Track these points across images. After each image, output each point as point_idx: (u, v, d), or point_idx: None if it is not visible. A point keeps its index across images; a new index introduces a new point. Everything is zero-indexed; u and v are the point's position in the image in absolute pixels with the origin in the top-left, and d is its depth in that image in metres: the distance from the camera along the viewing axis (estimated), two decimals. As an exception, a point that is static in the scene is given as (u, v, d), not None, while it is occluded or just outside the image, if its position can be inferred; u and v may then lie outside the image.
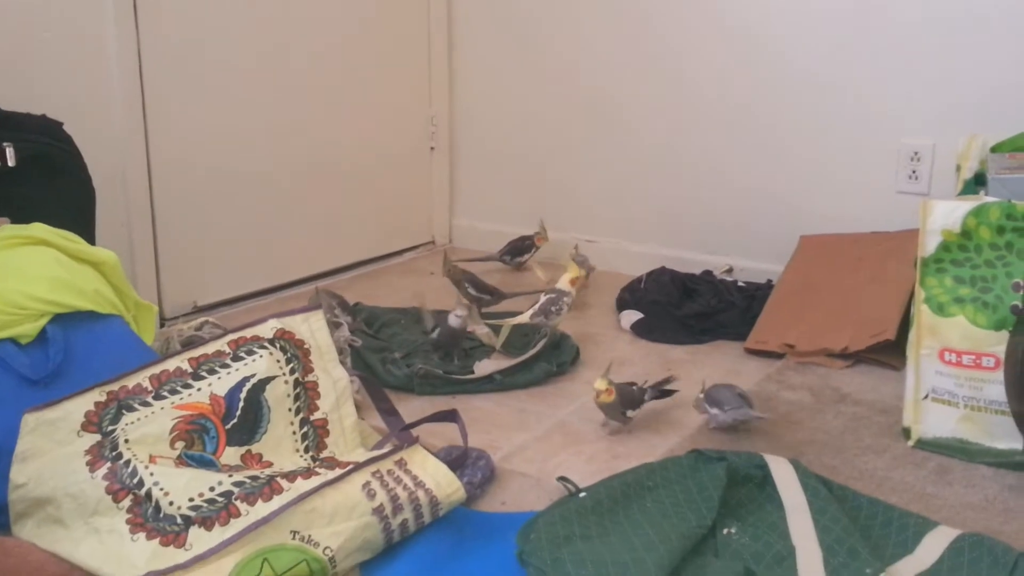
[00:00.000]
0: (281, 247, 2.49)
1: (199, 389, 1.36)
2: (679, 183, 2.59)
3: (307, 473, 1.28)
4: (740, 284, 2.37)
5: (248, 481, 1.24)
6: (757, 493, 1.40)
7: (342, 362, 1.53)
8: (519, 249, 2.66)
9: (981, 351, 1.56)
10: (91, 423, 1.28)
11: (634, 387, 1.71)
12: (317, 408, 1.43)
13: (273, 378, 1.40)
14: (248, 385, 1.38)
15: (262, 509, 1.21)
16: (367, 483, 1.28)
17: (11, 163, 1.66)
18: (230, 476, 1.25)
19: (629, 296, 2.33)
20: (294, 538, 1.20)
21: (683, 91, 2.53)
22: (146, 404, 1.32)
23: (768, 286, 2.30)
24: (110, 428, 1.28)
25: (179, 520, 1.19)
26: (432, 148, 2.92)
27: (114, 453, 1.25)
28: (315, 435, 1.42)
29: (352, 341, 1.95)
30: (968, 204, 1.58)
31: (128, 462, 1.24)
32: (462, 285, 2.26)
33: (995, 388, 1.54)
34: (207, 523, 1.19)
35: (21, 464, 1.25)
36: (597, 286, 2.46)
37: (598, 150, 2.70)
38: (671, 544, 1.24)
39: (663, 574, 1.18)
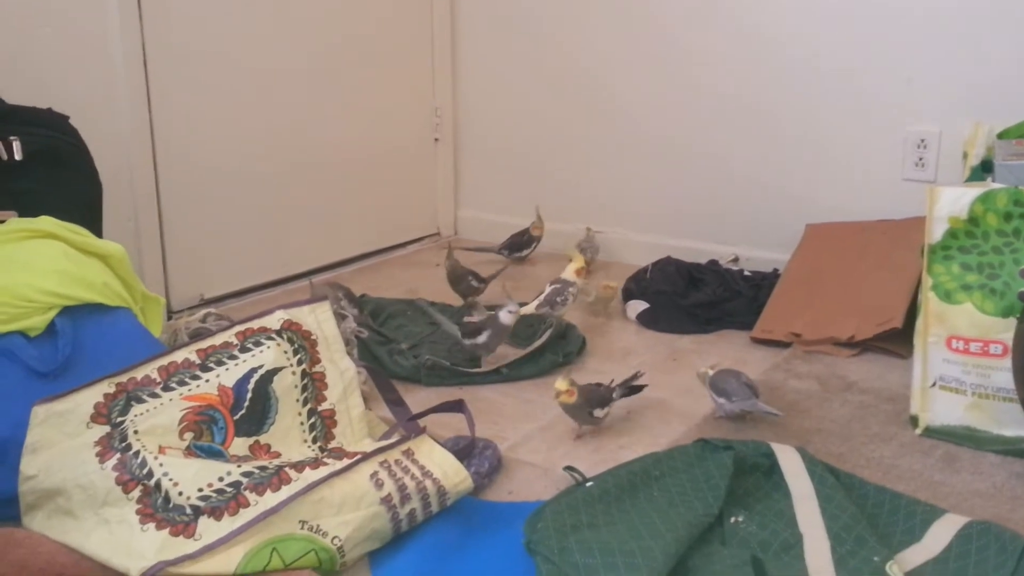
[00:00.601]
0: (287, 240, 2.50)
1: (207, 380, 1.36)
2: (684, 173, 2.58)
3: (315, 463, 1.29)
4: (746, 273, 2.37)
5: (257, 471, 1.25)
6: (764, 481, 1.40)
7: (349, 353, 1.53)
8: (519, 244, 2.64)
9: (989, 338, 1.55)
10: (100, 414, 1.29)
11: (600, 386, 1.66)
12: (324, 399, 1.44)
13: (280, 369, 1.40)
14: (256, 376, 1.38)
15: (271, 499, 1.21)
16: (375, 473, 1.29)
17: (18, 157, 1.67)
18: (239, 466, 1.25)
19: (635, 286, 2.33)
20: (303, 528, 1.21)
21: (688, 81, 2.53)
22: (155, 395, 1.33)
23: (774, 275, 2.30)
24: (119, 419, 1.29)
25: (188, 510, 1.20)
26: (436, 140, 2.92)
27: (123, 444, 1.25)
28: (323, 426, 1.42)
29: (358, 332, 1.95)
30: (975, 190, 1.57)
31: (137, 453, 1.24)
32: (466, 279, 2.23)
33: (1003, 375, 1.53)
34: (216, 513, 1.19)
35: (31, 456, 1.26)
36: (603, 277, 2.46)
37: (603, 140, 2.70)
38: (678, 532, 1.24)
39: (670, 562, 1.18)
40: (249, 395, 1.37)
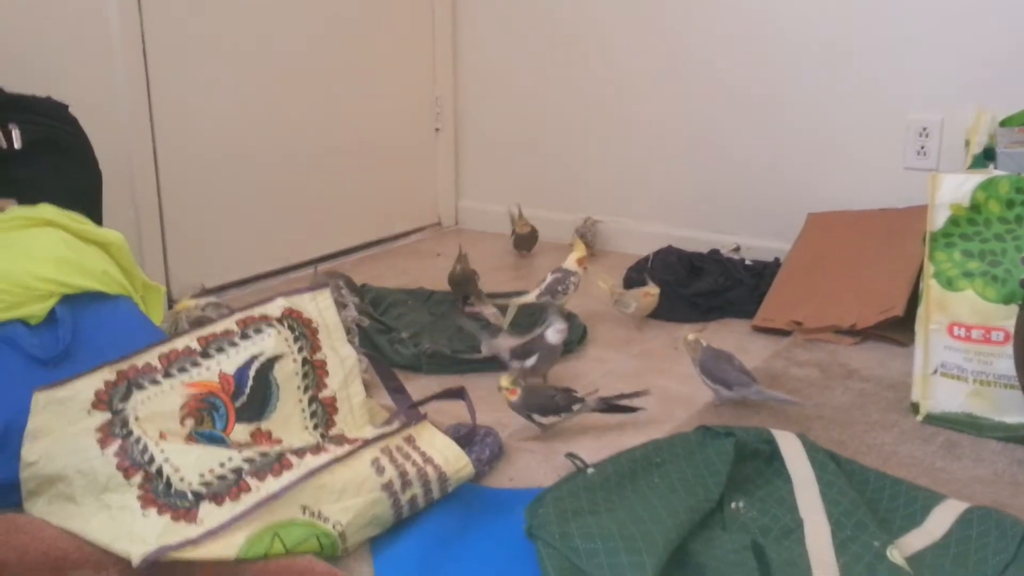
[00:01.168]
0: (288, 229, 2.49)
1: (208, 367, 1.36)
2: (685, 162, 2.58)
3: (316, 449, 1.29)
4: (747, 262, 2.37)
5: (258, 457, 1.25)
6: (765, 468, 1.40)
7: (350, 341, 1.53)
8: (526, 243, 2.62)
9: (990, 325, 1.55)
10: (101, 401, 1.29)
11: (556, 394, 1.57)
12: (325, 386, 1.44)
13: (281, 356, 1.40)
14: (257, 363, 1.38)
15: (272, 485, 1.21)
16: (376, 459, 1.29)
17: (17, 145, 1.66)
18: (240, 452, 1.25)
19: (636, 275, 2.33)
20: (304, 513, 1.21)
21: (690, 71, 2.52)
22: (156, 382, 1.33)
23: (776, 264, 2.30)
24: (120, 406, 1.28)
25: (190, 496, 1.20)
26: (437, 129, 2.91)
27: (124, 430, 1.25)
28: (324, 413, 1.42)
29: (359, 321, 1.95)
30: (977, 177, 1.57)
31: (138, 439, 1.24)
32: (474, 283, 2.13)
33: (1004, 362, 1.53)
34: (218, 498, 1.19)
35: (32, 442, 1.26)
36: (605, 266, 2.46)
37: (604, 130, 2.69)
38: (679, 518, 1.24)
39: (671, 547, 1.18)
40: (250, 382, 1.36)
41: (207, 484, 1.21)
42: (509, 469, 1.48)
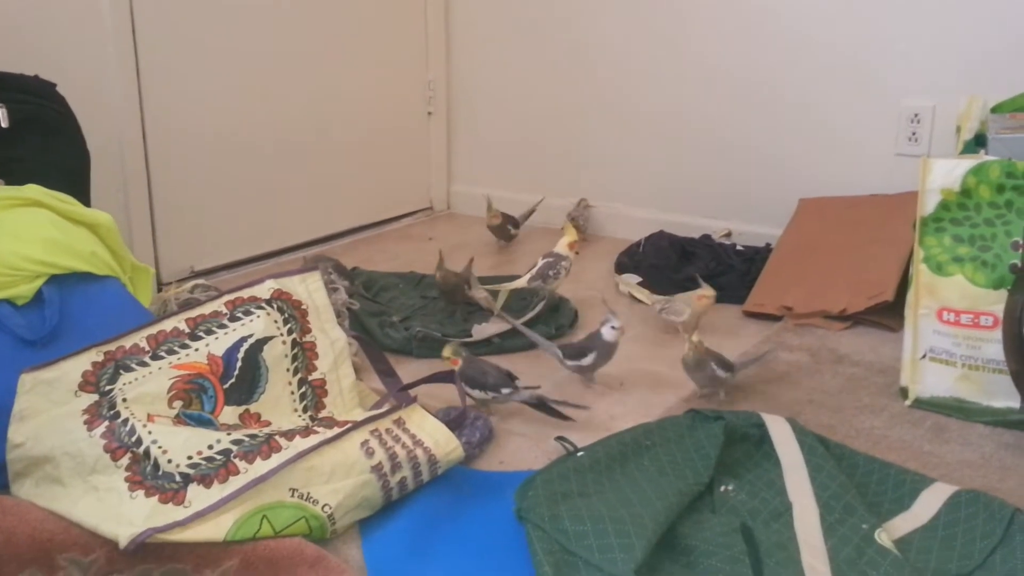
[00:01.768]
0: (279, 212, 2.48)
1: (197, 349, 1.36)
2: (678, 147, 2.58)
3: (305, 432, 1.28)
4: (739, 248, 2.37)
5: (246, 439, 1.25)
6: (754, 451, 1.40)
7: (340, 325, 1.52)
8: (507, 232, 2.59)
9: (979, 310, 1.55)
10: (88, 383, 1.28)
11: (491, 372, 1.55)
12: (315, 368, 1.43)
13: (271, 338, 1.40)
14: (246, 345, 1.37)
15: (261, 467, 1.21)
16: (365, 441, 1.28)
17: (4, 124, 1.65)
18: (228, 434, 1.25)
19: (628, 260, 2.33)
20: (293, 496, 1.20)
21: (682, 55, 2.51)
22: (143, 364, 1.32)
23: (767, 249, 2.30)
24: (108, 388, 1.28)
25: (178, 478, 1.19)
26: (430, 113, 2.90)
27: (112, 412, 1.25)
28: (313, 395, 1.42)
29: (350, 304, 1.95)
30: (968, 162, 1.57)
31: (126, 421, 1.24)
32: (461, 289, 2.02)
33: (993, 347, 1.54)
34: (206, 481, 1.19)
35: (19, 424, 1.25)
36: (596, 251, 2.46)
37: (596, 115, 2.69)
38: (668, 500, 1.24)
39: (660, 530, 1.18)
40: (239, 364, 1.36)
41: (195, 466, 1.20)
42: (499, 452, 1.48)
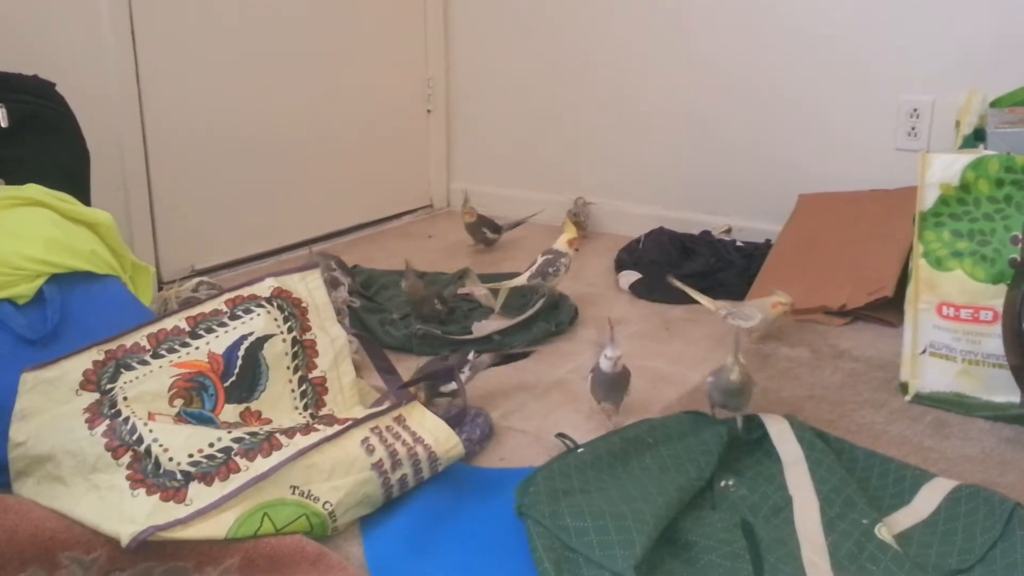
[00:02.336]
0: (279, 211, 2.48)
1: (197, 347, 1.36)
2: (677, 144, 2.57)
3: (306, 429, 1.29)
4: (739, 244, 2.37)
5: (247, 437, 1.25)
6: (754, 447, 1.40)
7: (340, 322, 1.52)
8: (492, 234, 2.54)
9: (979, 305, 1.55)
10: (89, 382, 1.28)
11: (452, 356, 1.62)
12: (315, 366, 1.43)
13: (271, 336, 1.40)
14: (246, 343, 1.37)
15: (261, 464, 1.21)
16: (366, 439, 1.29)
17: (4, 124, 1.65)
18: (229, 432, 1.25)
19: (627, 257, 2.33)
20: (294, 493, 1.21)
21: (681, 52, 2.51)
22: (144, 363, 1.32)
23: (767, 245, 2.30)
24: (108, 386, 1.28)
25: (179, 476, 1.20)
26: (429, 111, 2.90)
27: (113, 410, 1.25)
28: (314, 393, 1.42)
29: (350, 302, 1.95)
30: (967, 157, 1.57)
31: (127, 419, 1.24)
32: (430, 302, 1.96)
33: (993, 342, 1.54)
34: (207, 479, 1.19)
35: (20, 423, 1.25)
36: (596, 248, 2.46)
37: (596, 111, 2.69)
38: (669, 496, 1.24)
39: (661, 525, 1.18)
40: (239, 362, 1.36)
41: (196, 464, 1.21)
42: (500, 449, 1.48)
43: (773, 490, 1.29)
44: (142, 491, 1.18)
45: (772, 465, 1.35)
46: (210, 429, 1.26)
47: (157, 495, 1.18)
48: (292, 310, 1.44)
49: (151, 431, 1.23)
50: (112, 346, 1.32)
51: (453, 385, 1.56)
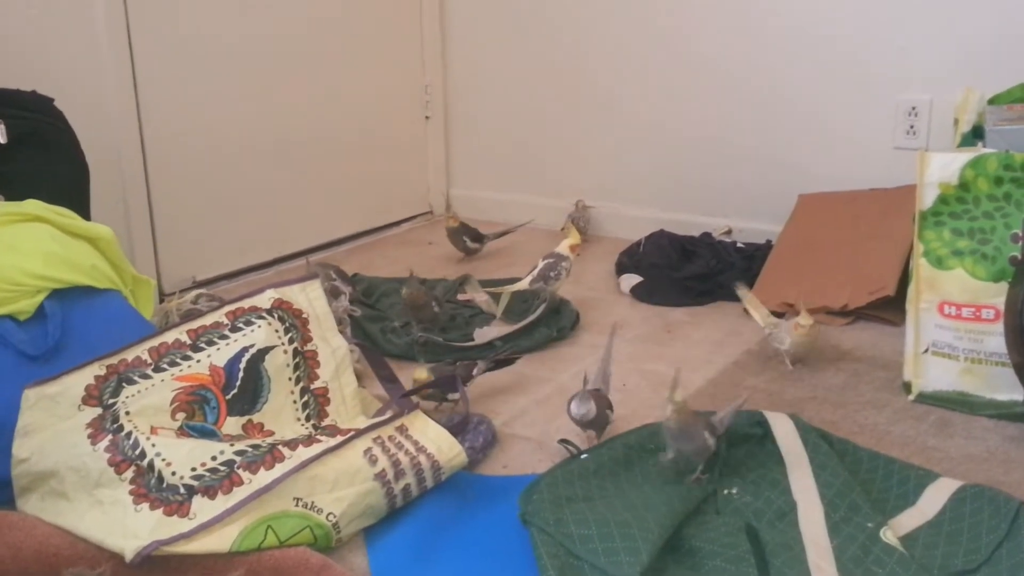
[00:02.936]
0: (279, 220, 2.48)
1: (198, 360, 1.36)
2: (676, 146, 2.57)
3: (308, 441, 1.29)
4: (739, 245, 2.37)
5: (250, 450, 1.25)
6: (757, 450, 1.40)
7: (341, 332, 1.52)
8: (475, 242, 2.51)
9: (980, 303, 1.55)
10: (91, 397, 1.28)
11: (458, 365, 1.63)
12: (317, 377, 1.43)
13: (272, 348, 1.40)
14: (247, 355, 1.37)
15: (264, 477, 1.21)
16: (369, 449, 1.29)
17: (3, 140, 1.65)
18: (232, 445, 1.25)
19: (628, 260, 2.33)
20: (297, 505, 1.21)
21: (678, 53, 2.51)
22: (146, 376, 1.32)
23: (767, 246, 2.29)
24: (111, 401, 1.28)
25: (182, 490, 1.19)
26: (427, 117, 2.90)
27: (115, 425, 1.25)
28: (316, 404, 1.42)
29: (351, 311, 1.95)
30: (965, 156, 1.56)
31: (129, 434, 1.24)
32: (429, 307, 1.91)
33: (995, 340, 1.54)
34: (210, 492, 1.19)
35: (23, 439, 1.25)
36: (597, 252, 2.46)
37: (594, 114, 2.69)
38: (673, 504, 1.24)
39: (665, 532, 1.18)
40: (241, 374, 1.36)
41: (199, 478, 1.21)
42: (503, 456, 1.48)
43: (777, 495, 1.29)
44: (145, 506, 1.18)
45: (775, 468, 1.35)
46: (212, 442, 1.26)
47: (160, 509, 1.18)
48: (293, 321, 1.44)
49: (154, 445, 1.23)
50: (114, 360, 1.32)
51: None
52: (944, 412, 1.57)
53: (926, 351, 1.62)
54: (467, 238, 2.48)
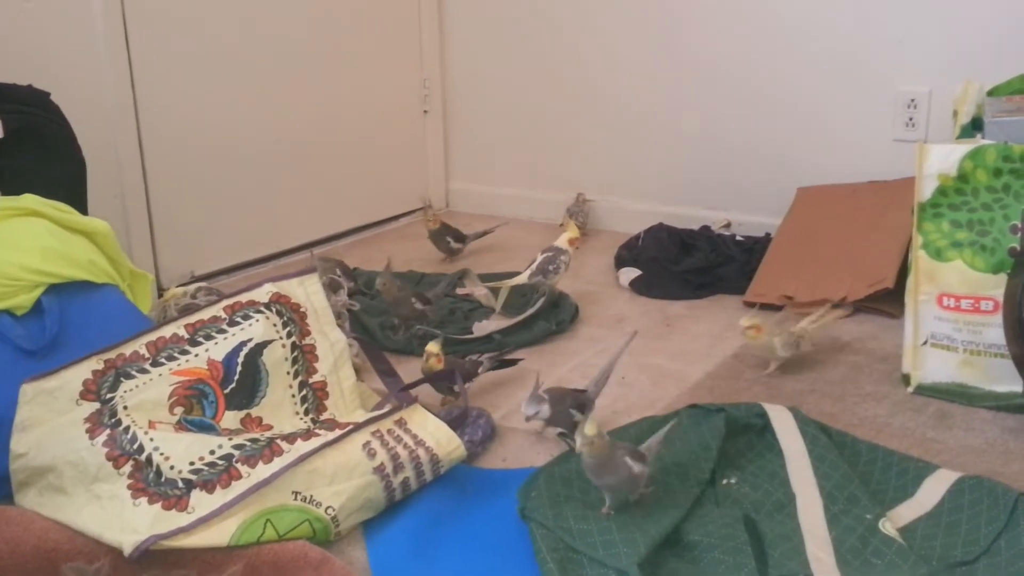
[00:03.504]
0: (277, 215, 2.48)
1: (196, 355, 1.36)
2: (675, 139, 2.57)
3: (307, 434, 1.29)
4: (738, 238, 2.37)
5: (248, 444, 1.25)
6: (757, 441, 1.40)
7: (340, 326, 1.52)
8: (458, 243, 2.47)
9: (979, 295, 1.55)
10: (89, 391, 1.28)
11: (467, 360, 1.65)
12: (315, 371, 1.43)
13: (270, 342, 1.40)
14: (245, 349, 1.37)
15: (263, 471, 1.21)
16: (367, 443, 1.28)
17: (-1, 135, 1.65)
18: (230, 439, 1.25)
19: (627, 253, 2.33)
20: (296, 499, 1.21)
21: (676, 47, 2.51)
22: (144, 371, 1.32)
23: (766, 239, 2.29)
24: (108, 396, 1.28)
25: (180, 484, 1.19)
26: (426, 111, 2.89)
27: (113, 420, 1.25)
28: (314, 398, 1.42)
29: (350, 305, 1.95)
30: (964, 147, 1.56)
31: (127, 428, 1.24)
32: (408, 303, 1.88)
33: (994, 331, 1.53)
34: (208, 486, 1.19)
35: (21, 434, 1.25)
36: (596, 245, 2.45)
37: (593, 109, 2.68)
38: (672, 500, 1.24)
39: (663, 531, 1.18)
40: (239, 368, 1.36)
41: (197, 472, 1.20)
42: (502, 450, 1.48)
43: (776, 486, 1.29)
44: (144, 500, 1.18)
45: (774, 460, 1.35)
46: (211, 436, 1.26)
47: (159, 504, 1.18)
48: (291, 315, 1.44)
49: (152, 440, 1.23)
50: (111, 355, 1.33)
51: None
52: (943, 404, 1.57)
53: (925, 343, 1.62)
54: (450, 239, 2.43)
